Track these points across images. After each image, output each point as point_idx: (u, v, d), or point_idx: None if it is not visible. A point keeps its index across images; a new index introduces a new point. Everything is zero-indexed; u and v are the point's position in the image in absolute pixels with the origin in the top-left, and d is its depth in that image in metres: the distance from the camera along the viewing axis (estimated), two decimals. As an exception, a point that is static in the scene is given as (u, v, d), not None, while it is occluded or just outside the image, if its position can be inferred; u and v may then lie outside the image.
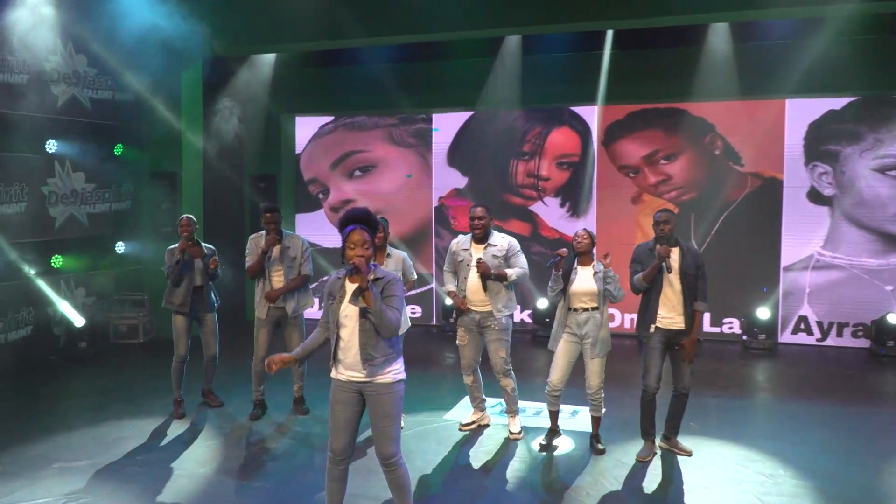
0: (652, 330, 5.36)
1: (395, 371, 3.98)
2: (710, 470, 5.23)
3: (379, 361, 3.90)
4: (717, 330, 9.68)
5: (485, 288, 5.76)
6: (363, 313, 3.82)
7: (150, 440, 5.87)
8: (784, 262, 9.43)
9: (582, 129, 10.05)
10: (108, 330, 9.31)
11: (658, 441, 5.61)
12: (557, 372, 5.55)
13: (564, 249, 5.52)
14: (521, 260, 5.89)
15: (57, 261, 8.75)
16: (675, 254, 5.34)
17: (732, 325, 9.62)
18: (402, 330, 6.16)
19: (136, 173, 9.65)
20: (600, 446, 5.58)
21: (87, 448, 5.64)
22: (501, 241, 5.86)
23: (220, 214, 10.38)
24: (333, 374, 3.99)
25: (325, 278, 10.92)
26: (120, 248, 9.57)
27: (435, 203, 10.64)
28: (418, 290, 10.64)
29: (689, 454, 5.50)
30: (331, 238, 10.94)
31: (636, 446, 5.56)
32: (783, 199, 9.38)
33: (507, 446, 5.74)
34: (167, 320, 6.53)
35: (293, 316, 6.32)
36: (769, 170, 9.44)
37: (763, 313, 9.20)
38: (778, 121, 9.37)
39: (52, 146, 8.54)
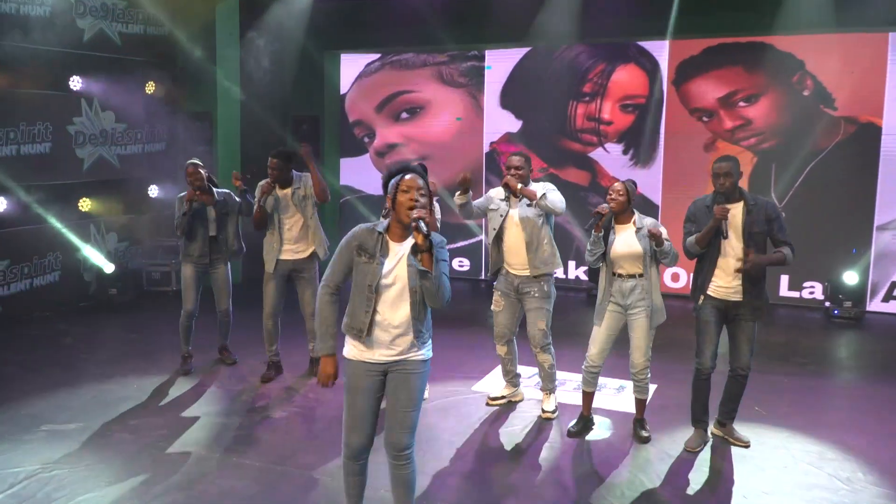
0: (700, 301, 4.54)
1: (429, 346, 3.41)
2: (772, 469, 4.40)
3: (426, 337, 3.35)
4: (796, 294, 8.65)
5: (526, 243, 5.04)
6: (423, 276, 3.17)
7: (151, 401, 5.45)
8: (878, 221, 8.26)
9: (650, 66, 8.98)
10: (141, 277, 8.99)
11: (711, 427, 4.83)
12: (597, 345, 4.79)
13: (605, 206, 4.66)
14: (556, 195, 5.08)
15: (85, 204, 8.42)
16: (736, 210, 4.45)
17: (814, 290, 8.56)
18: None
19: (171, 113, 9.17)
20: (644, 433, 4.82)
21: (85, 408, 5.25)
22: (536, 189, 5.07)
23: (259, 158, 9.84)
24: (355, 353, 3.33)
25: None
26: (154, 191, 9.17)
27: (486, 149, 9.82)
28: (468, 242, 9.94)
29: (747, 445, 4.70)
30: (375, 184, 10.29)
31: (686, 434, 4.78)
32: (881, 147, 8.15)
33: (539, 428, 5.04)
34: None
35: (309, 266, 5.77)
36: (866, 114, 8.21)
37: (850, 278, 8.11)
38: (879, 57, 8.08)
39: (76, 83, 8.11)
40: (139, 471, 4.31)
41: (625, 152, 9.16)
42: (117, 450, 4.59)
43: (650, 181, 9.04)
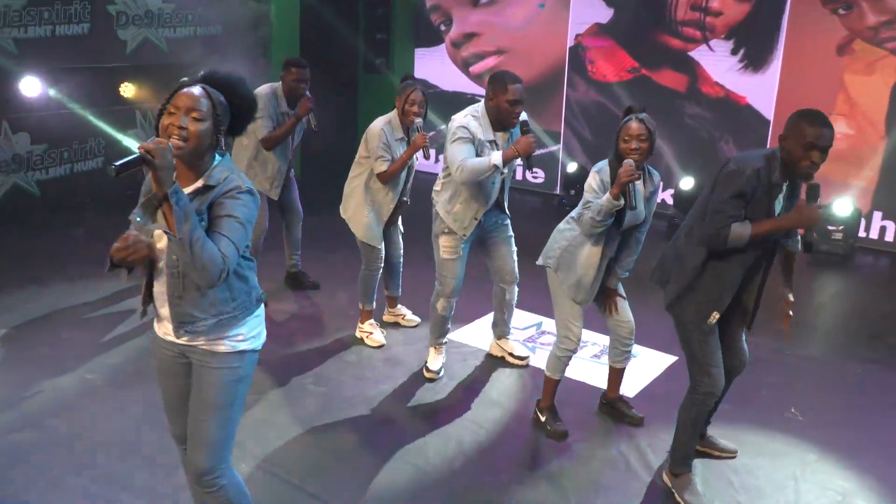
0: (714, 319, 3.09)
1: (238, 337, 2.46)
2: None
3: (204, 326, 2.40)
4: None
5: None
6: (169, 239, 2.26)
7: (103, 313, 5.02)
8: None
9: (777, -59, 7.05)
10: (191, 168, 8.68)
11: None
12: (581, 322, 3.63)
13: (630, 163, 3.25)
14: None
15: (128, 90, 8.07)
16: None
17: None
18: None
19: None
20: (637, 413, 3.83)
21: (30, 312, 4.89)
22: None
23: (324, 46, 9.07)
24: (155, 325, 2.55)
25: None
26: (205, 78, 8.67)
27: (570, 42, 8.36)
28: (543, 151, 8.69)
29: (733, 455, 3.57)
30: (450, 79, 9.18)
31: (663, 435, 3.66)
32: None
33: (495, 403, 4.10)
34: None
35: None
36: None
37: None
38: None
39: (114, -42, 7.59)
40: (17, 398, 3.90)
41: (734, 52, 7.39)
42: (22, 369, 4.21)
43: (763, 90, 7.29)
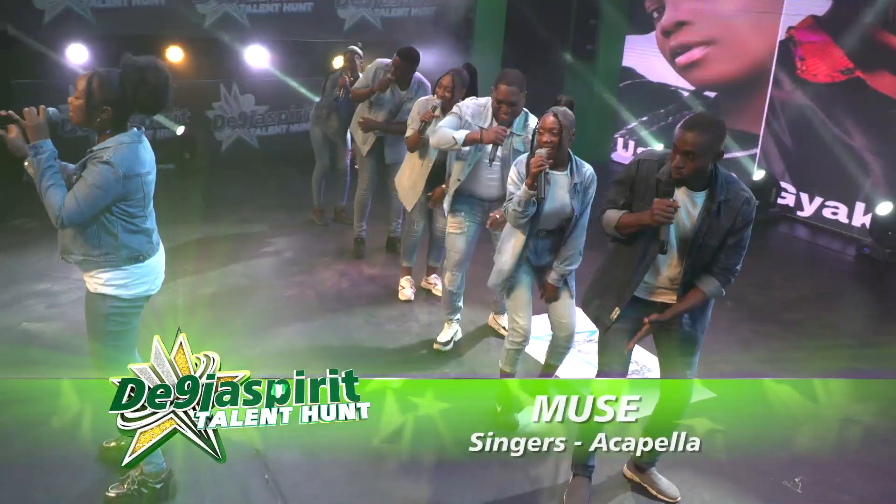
0: (615, 315, 2.96)
1: (101, 281, 2.83)
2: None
3: (73, 259, 2.84)
4: None
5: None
6: None
7: (194, 249, 5.71)
8: None
9: None
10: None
11: (624, 468, 3.35)
12: (527, 309, 3.62)
13: (543, 152, 3.24)
14: None
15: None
16: (681, 195, 2.78)
17: None
18: None
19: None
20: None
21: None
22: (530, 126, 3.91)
23: (531, 29, 9.15)
24: None
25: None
26: (415, 55, 9.29)
27: (781, 36, 7.44)
28: (730, 155, 7.93)
29: (673, 501, 3.19)
30: (657, 69, 8.72)
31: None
32: None
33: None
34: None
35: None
36: None
37: None
38: None
39: (337, -57, 8.47)
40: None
41: (970, 56, 6.04)
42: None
43: None
